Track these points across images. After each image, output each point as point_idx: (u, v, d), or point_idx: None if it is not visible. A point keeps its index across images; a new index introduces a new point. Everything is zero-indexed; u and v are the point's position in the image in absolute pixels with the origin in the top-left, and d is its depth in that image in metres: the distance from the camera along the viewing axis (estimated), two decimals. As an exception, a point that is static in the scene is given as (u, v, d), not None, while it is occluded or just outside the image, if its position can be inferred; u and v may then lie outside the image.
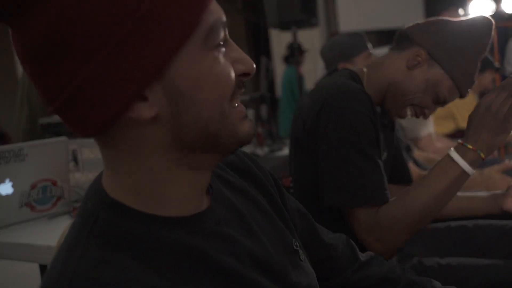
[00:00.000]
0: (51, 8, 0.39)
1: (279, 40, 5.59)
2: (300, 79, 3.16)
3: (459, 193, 1.11)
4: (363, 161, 0.94)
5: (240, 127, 0.48)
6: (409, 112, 1.08)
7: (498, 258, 1.05)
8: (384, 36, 5.65)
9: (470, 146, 0.90)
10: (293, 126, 1.12)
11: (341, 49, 1.73)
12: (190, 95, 0.43)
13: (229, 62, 0.46)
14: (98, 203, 0.46)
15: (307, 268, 0.62)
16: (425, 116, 1.09)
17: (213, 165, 0.51)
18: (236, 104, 0.48)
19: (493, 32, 1.08)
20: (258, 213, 0.58)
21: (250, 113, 2.11)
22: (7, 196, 1.23)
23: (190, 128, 0.44)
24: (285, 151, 1.95)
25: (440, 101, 1.07)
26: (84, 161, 1.47)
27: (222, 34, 0.46)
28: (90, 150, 1.45)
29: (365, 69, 1.10)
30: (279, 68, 5.56)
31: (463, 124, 2.63)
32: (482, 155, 0.90)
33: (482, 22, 1.06)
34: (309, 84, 4.80)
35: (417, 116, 1.09)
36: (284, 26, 3.03)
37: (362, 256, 0.77)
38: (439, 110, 2.81)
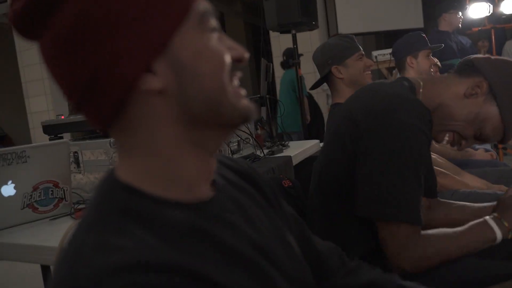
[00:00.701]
0: (69, 7, 0.46)
1: (279, 43, 5.60)
2: (301, 79, 3.20)
3: (474, 205, 1.18)
4: (413, 179, 0.94)
5: (240, 102, 0.53)
6: (447, 137, 1.07)
7: (499, 259, 1.05)
8: (383, 39, 5.67)
9: (506, 224, 0.98)
10: (334, 122, 1.09)
11: (332, 52, 1.73)
12: (192, 68, 0.49)
13: (223, 45, 0.53)
14: (113, 187, 0.50)
15: (301, 260, 0.65)
16: (461, 147, 1.08)
17: (217, 145, 0.55)
18: (235, 83, 0.53)
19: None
20: (256, 208, 0.62)
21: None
22: (9, 197, 1.24)
23: (194, 99, 0.49)
24: (285, 153, 1.96)
25: (481, 138, 1.06)
26: (85, 163, 1.48)
27: (213, 22, 0.52)
28: (91, 152, 1.46)
29: (421, 82, 1.08)
30: (279, 71, 5.57)
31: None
32: (510, 236, 0.98)
33: None
34: (309, 85, 4.80)
35: (452, 144, 1.09)
36: (283, 28, 3.04)
37: (350, 263, 0.80)
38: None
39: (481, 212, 1.16)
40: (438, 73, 2.94)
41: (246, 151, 1.93)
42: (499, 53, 4.57)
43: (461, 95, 1.04)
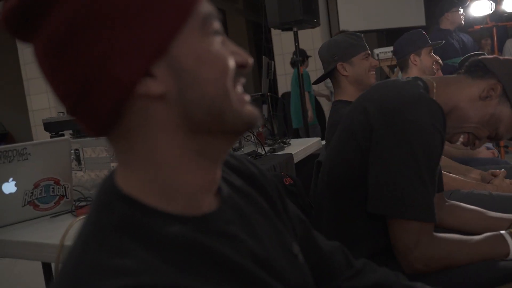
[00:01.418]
0: (62, 8, 0.43)
1: (281, 40, 5.59)
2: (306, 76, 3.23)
3: (489, 213, 1.19)
4: (428, 177, 0.95)
5: (244, 108, 0.50)
6: (461, 139, 1.09)
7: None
8: (384, 36, 5.66)
9: None
10: (347, 118, 1.09)
11: (339, 49, 1.72)
12: (193, 72, 0.47)
13: (226, 50, 0.50)
14: (113, 197, 0.48)
15: (305, 270, 0.64)
16: (474, 147, 1.10)
17: (221, 152, 0.53)
18: (239, 90, 0.51)
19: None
20: (260, 216, 0.60)
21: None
22: (10, 194, 1.24)
23: (196, 105, 0.47)
24: (286, 150, 1.96)
25: (496, 138, 1.08)
26: (86, 161, 1.48)
27: (216, 25, 0.50)
28: (92, 149, 1.46)
29: (434, 83, 1.09)
30: (280, 68, 5.57)
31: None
32: None
33: None
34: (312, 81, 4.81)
35: (466, 144, 1.10)
36: (285, 26, 3.04)
37: (356, 264, 0.79)
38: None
39: (497, 222, 1.17)
40: (440, 71, 2.94)
41: (248, 148, 1.92)
42: (500, 51, 4.56)
43: (476, 97, 1.06)
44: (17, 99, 7.11)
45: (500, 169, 1.74)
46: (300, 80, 3.14)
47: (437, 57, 2.27)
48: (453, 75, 1.14)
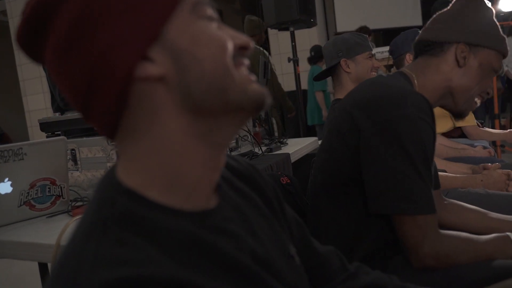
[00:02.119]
0: (67, 10, 0.46)
1: (277, 40, 5.60)
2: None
3: (490, 214, 1.21)
4: (424, 170, 0.95)
5: (250, 86, 0.50)
6: (477, 101, 1.13)
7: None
8: (381, 36, 5.67)
9: None
10: (337, 117, 1.10)
11: (345, 45, 1.73)
12: (190, 52, 0.47)
13: (224, 32, 0.51)
14: (114, 191, 0.48)
15: (302, 272, 0.64)
16: (489, 95, 1.15)
17: (225, 138, 0.52)
18: (243, 71, 0.51)
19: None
20: (259, 217, 0.61)
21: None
22: (6, 195, 1.23)
23: (196, 85, 0.47)
24: (283, 150, 1.96)
25: (497, 73, 1.12)
26: (83, 161, 1.48)
27: (210, 11, 0.51)
28: (88, 149, 1.46)
29: (413, 74, 1.10)
30: (277, 68, 5.57)
31: (460, 122, 2.65)
32: None
33: None
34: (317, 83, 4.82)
35: (483, 100, 1.16)
36: (282, 26, 3.04)
37: (350, 267, 0.79)
38: (435, 109, 2.82)
39: (498, 223, 1.18)
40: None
41: (244, 148, 1.92)
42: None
43: (457, 68, 1.08)
44: (13, 100, 7.09)
45: None
46: (296, 80, 3.14)
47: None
48: (416, 63, 1.14)
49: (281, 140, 2.10)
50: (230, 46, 0.50)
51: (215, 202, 0.54)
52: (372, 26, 4.77)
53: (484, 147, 2.46)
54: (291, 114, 4.30)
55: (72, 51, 0.46)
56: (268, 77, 2.28)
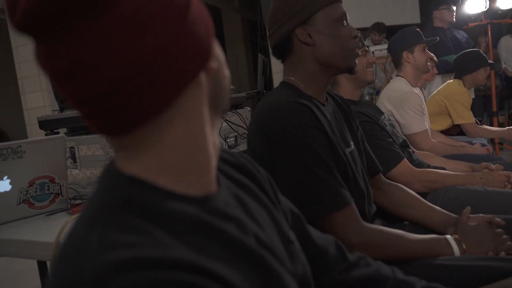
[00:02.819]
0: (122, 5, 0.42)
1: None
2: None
3: (429, 205, 1.28)
4: (326, 169, 0.99)
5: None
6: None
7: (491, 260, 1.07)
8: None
9: (464, 247, 1.05)
10: (249, 137, 1.13)
11: None
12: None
13: None
14: (117, 179, 0.48)
15: (302, 258, 0.64)
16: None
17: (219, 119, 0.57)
18: None
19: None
20: (257, 205, 0.61)
21: (246, 110, 2.12)
22: (5, 193, 1.24)
23: (222, 83, 0.54)
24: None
25: (343, 19, 1.11)
26: (82, 158, 1.48)
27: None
28: (87, 147, 1.46)
29: (293, 78, 1.12)
30: (276, 66, 5.57)
31: (458, 119, 2.66)
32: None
33: None
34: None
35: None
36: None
37: (351, 257, 0.79)
38: (434, 107, 2.83)
39: (434, 214, 1.24)
40: (435, 68, 2.95)
41: (243, 146, 1.93)
42: (495, 47, 4.57)
43: (312, 47, 1.08)
44: (11, 98, 7.08)
45: (494, 164, 1.75)
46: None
47: (432, 54, 2.27)
48: (287, 68, 1.15)
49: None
50: None
51: (216, 188, 0.54)
52: (370, 23, 4.78)
53: (483, 145, 2.46)
54: None
55: (123, 42, 0.42)
56: (266, 75, 2.28)
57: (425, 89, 3.21)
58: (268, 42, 1.14)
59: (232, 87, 1.78)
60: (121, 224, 0.43)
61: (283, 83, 1.14)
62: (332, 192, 0.98)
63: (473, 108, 2.80)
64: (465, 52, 2.84)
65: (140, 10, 0.42)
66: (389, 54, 2.41)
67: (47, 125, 1.61)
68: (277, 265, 0.53)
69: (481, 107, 4.64)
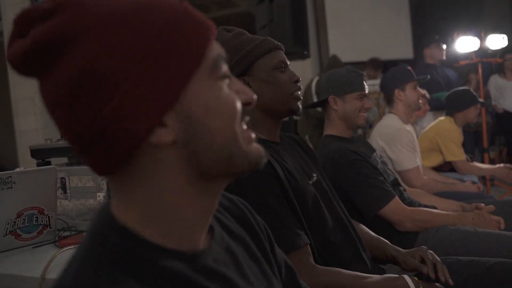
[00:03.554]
0: (74, 58, 0.44)
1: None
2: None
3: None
4: (284, 212, 1.01)
5: (252, 149, 0.51)
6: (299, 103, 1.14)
7: None
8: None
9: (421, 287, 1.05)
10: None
11: (337, 81, 1.71)
12: (203, 121, 0.48)
13: (233, 92, 0.51)
14: (108, 227, 0.48)
15: None
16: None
17: (221, 190, 0.54)
18: (243, 129, 0.52)
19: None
20: (250, 260, 0.61)
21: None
22: (-8, 224, 1.22)
23: (204, 152, 0.48)
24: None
25: (281, 67, 1.12)
26: (72, 189, 1.47)
27: (224, 68, 0.51)
28: (78, 178, 1.45)
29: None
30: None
31: (449, 156, 2.68)
32: None
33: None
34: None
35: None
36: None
37: None
38: (426, 144, 2.85)
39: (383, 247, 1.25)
40: (427, 105, 2.99)
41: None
42: (486, 85, 4.66)
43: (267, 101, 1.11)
44: (4, 119, 7.04)
45: (485, 203, 1.76)
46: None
47: (423, 91, 2.32)
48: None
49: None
50: (239, 108, 0.50)
51: (208, 243, 0.54)
52: (365, 57, 4.86)
53: (474, 182, 2.48)
54: None
55: (80, 101, 0.44)
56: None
57: (416, 125, 3.25)
58: None
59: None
60: (109, 278, 0.43)
61: None
62: (285, 233, 1.00)
63: (464, 144, 2.84)
64: (457, 90, 2.90)
65: (72, 78, 0.44)
66: (381, 91, 2.45)
67: (39, 154, 1.60)
68: None
69: (472, 143, 4.69)
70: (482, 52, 3.82)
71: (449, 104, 2.82)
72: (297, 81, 1.14)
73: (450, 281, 1.07)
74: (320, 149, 1.69)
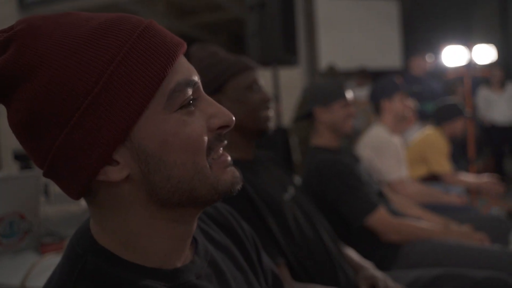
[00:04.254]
0: (23, 94, 0.44)
1: (263, 76, 5.66)
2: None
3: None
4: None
5: (223, 177, 0.49)
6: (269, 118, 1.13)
7: None
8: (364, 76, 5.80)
9: None
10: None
11: (319, 93, 1.73)
12: (158, 156, 0.45)
13: (202, 119, 0.47)
14: (86, 248, 0.48)
15: None
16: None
17: (194, 217, 0.52)
18: (218, 155, 0.49)
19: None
20: (236, 271, 0.61)
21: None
22: (-28, 229, 1.19)
23: (163, 186, 0.46)
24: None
25: (252, 87, 1.13)
26: (56, 195, 1.45)
27: (188, 94, 0.46)
28: (62, 183, 1.43)
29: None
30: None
31: (436, 167, 2.70)
32: None
33: None
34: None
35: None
36: (266, 63, 3.09)
37: None
38: (412, 155, 2.87)
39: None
40: (414, 116, 3.02)
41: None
42: (473, 99, 4.73)
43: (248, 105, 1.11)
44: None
45: (468, 217, 1.78)
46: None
47: (410, 102, 2.34)
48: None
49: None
50: (204, 143, 0.47)
51: (191, 257, 0.53)
52: (354, 66, 4.90)
53: (459, 195, 2.50)
54: None
55: (33, 135, 0.44)
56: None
57: (403, 135, 3.27)
58: None
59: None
60: None
61: None
62: (269, 250, 0.97)
63: (451, 154, 2.86)
64: (444, 101, 2.93)
65: (24, 114, 0.44)
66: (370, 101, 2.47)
67: (23, 158, 1.58)
68: None
69: (460, 154, 4.74)
70: (470, 66, 3.87)
71: (436, 115, 2.85)
72: (268, 101, 1.14)
73: None
74: (307, 161, 1.70)
